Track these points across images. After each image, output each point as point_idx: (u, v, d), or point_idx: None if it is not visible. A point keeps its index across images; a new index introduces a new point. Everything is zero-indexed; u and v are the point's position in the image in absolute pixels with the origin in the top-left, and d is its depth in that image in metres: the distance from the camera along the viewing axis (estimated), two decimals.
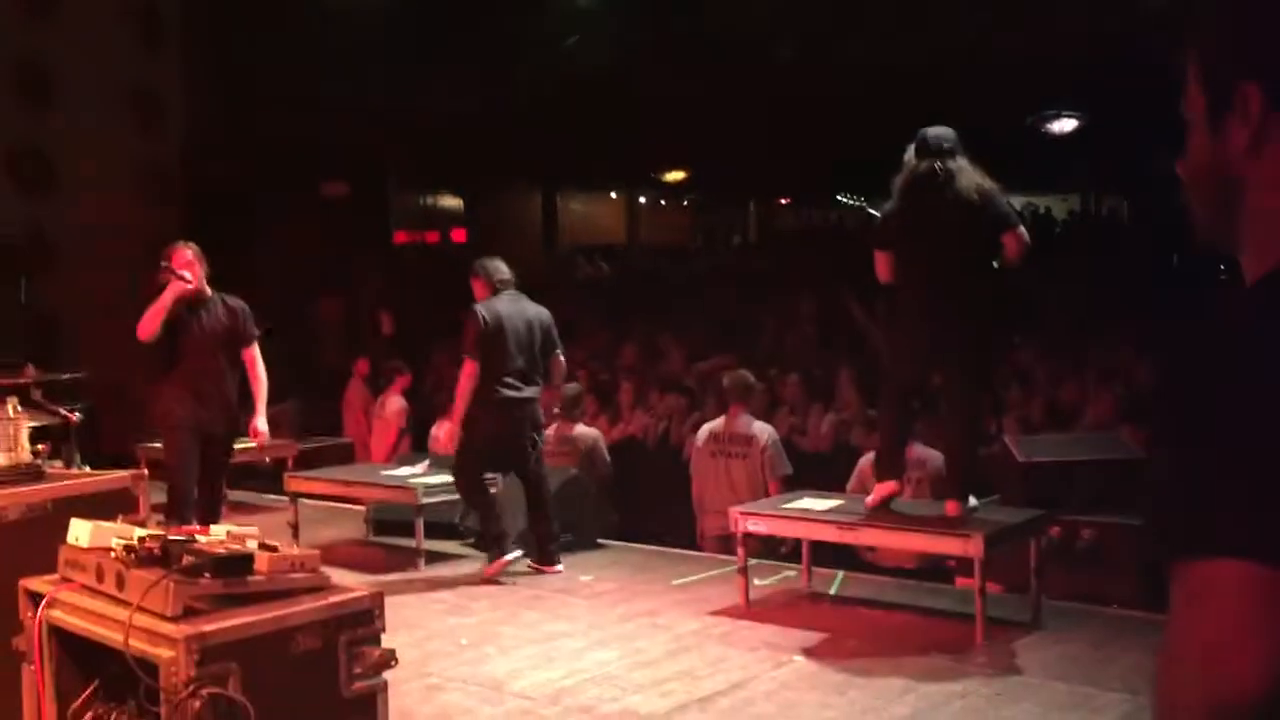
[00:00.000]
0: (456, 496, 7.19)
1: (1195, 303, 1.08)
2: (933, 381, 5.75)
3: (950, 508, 5.38)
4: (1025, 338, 8.93)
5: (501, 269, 6.63)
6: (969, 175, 5.22)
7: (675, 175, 23.41)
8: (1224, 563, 0.93)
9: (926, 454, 6.43)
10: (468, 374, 6.42)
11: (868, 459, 6.71)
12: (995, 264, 5.27)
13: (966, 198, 5.17)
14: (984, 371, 5.53)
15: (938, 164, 5.23)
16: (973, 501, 5.43)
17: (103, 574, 2.87)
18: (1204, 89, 1.14)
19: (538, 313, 6.59)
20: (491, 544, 6.52)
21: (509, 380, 6.36)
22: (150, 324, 6.19)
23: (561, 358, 6.76)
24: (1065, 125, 16.28)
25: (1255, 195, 1.10)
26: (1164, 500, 1.01)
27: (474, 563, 6.98)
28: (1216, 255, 1.17)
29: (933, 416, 6.11)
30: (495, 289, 6.53)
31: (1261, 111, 1.08)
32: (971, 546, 5.09)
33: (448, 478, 7.21)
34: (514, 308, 6.51)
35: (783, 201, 27.45)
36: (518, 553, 6.50)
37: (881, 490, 5.59)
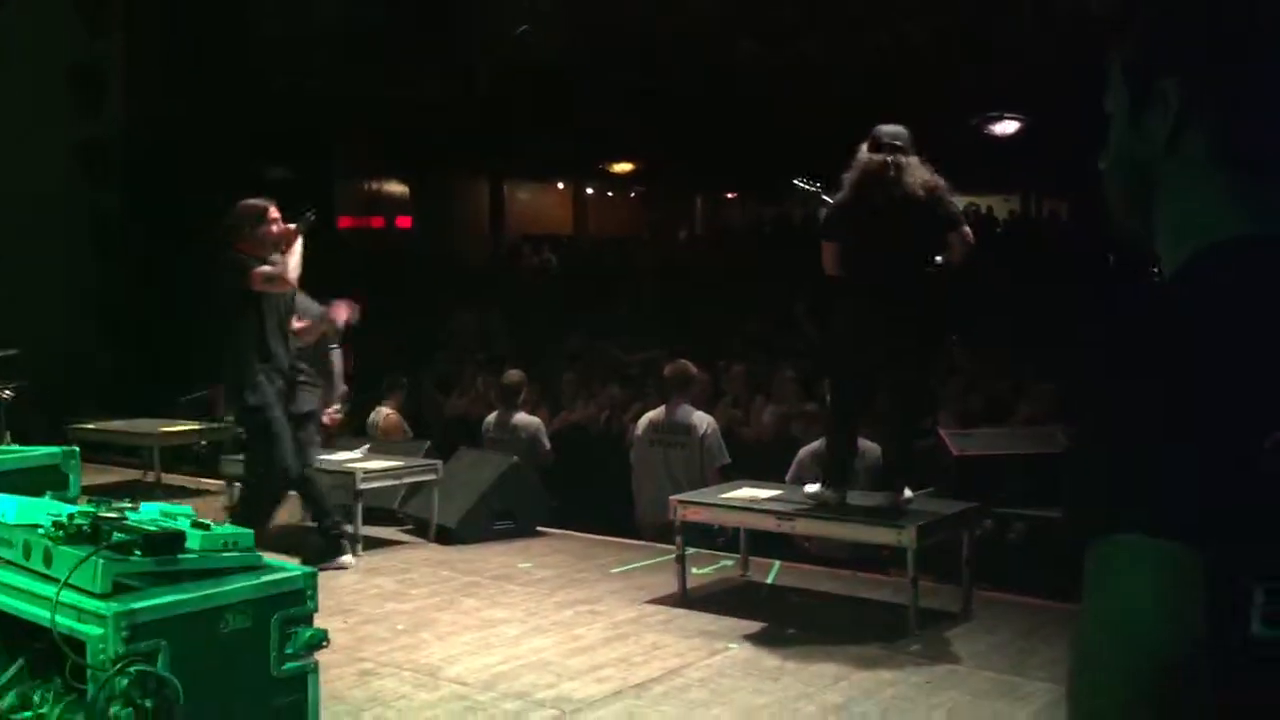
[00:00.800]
0: (395, 481, 7.17)
1: (1121, 299, 1.12)
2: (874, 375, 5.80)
3: (887, 499, 5.46)
4: (963, 335, 9.05)
5: None
6: (918, 171, 5.28)
7: (623, 167, 23.40)
8: (1127, 537, 0.97)
9: (864, 445, 6.50)
10: None
11: (807, 450, 6.79)
12: (939, 261, 5.33)
13: (914, 193, 5.22)
14: (924, 367, 5.60)
15: (889, 158, 5.29)
16: (908, 493, 5.51)
17: (30, 550, 2.83)
18: (1125, 84, 1.17)
19: None
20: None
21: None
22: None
23: None
24: (1008, 127, 16.48)
25: (1173, 190, 1.13)
26: (1072, 487, 1.04)
27: (412, 548, 6.96)
28: (1150, 255, 1.20)
29: (872, 409, 6.17)
30: None
31: (1180, 107, 1.11)
32: (905, 538, 5.17)
33: (387, 462, 7.18)
34: None
35: (729, 196, 27.55)
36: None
37: (820, 496, 5.63)
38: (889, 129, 5.39)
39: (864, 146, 5.40)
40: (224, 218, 6.41)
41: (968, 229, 5.34)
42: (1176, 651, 0.94)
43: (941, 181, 5.32)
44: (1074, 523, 1.03)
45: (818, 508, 5.61)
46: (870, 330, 5.37)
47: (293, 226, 6.21)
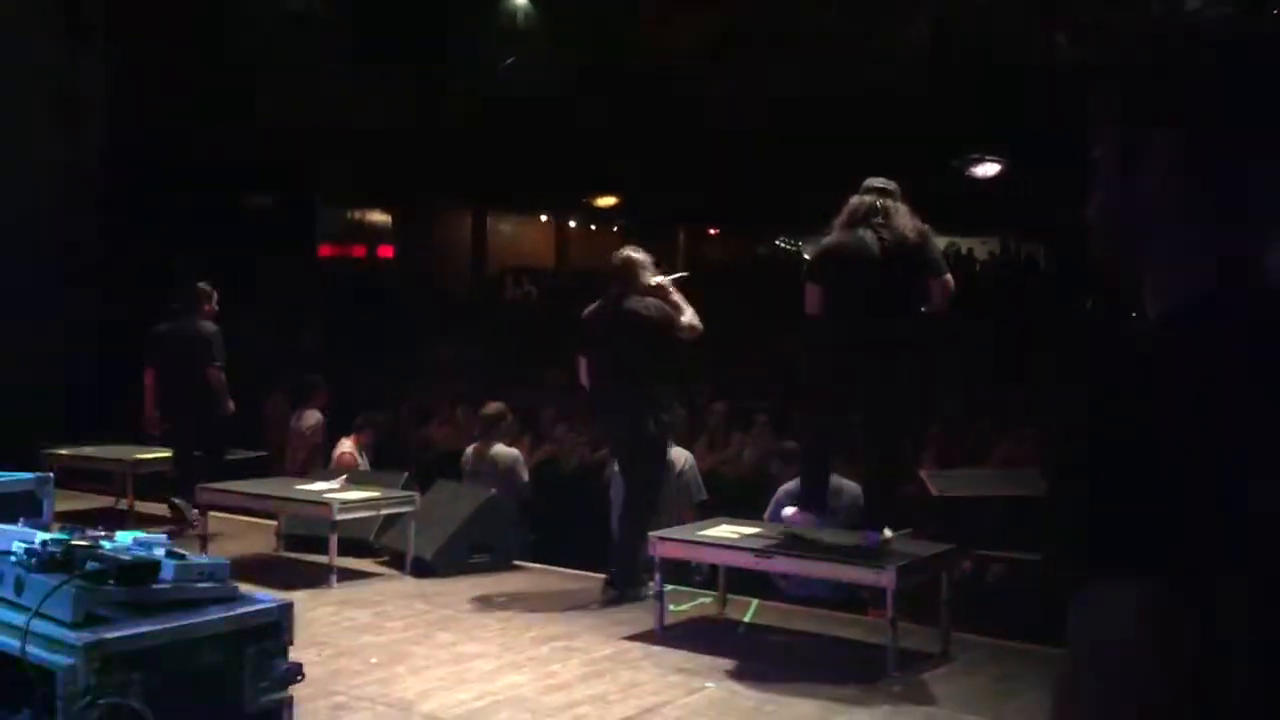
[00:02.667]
0: (372, 513, 7.12)
1: (1104, 343, 1.12)
2: (851, 416, 5.82)
3: (866, 538, 5.45)
4: (942, 379, 9.05)
5: None
6: (906, 217, 5.34)
7: (606, 200, 23.50)
8: (1115, 577, 0.96)
9: (843, 484, 6.49)
10: None
11: (784, 489, 6.77)
12: (921, 307, 5.37)
13: (901, 236, 5.28)
14: (905, 408, 5.59)
15: (878, 201, 5.36)
16: (887, 533, 5.50)
17: (1, 578, 2.78)
18: (1115, 134, 1.18)
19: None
20: None
21: None
22: None
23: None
24: (988, 170, 16.64)
25: (1157, 240, 1.14)
26: (1056, 528, 1.04)
27: (388, 580, 6.89)
28: (1128, 300, 1.21)
29: (851, 448, 6.18)
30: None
31: (1169, 159, 1.12)
32: (884, 578, 5.15)
33: (364, 493, 7.12)
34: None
35: (711, 232, 27.68)
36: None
37: (794, 518, 5.63)
38: (878, 179, 5.52)
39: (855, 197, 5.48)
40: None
41: (949, 277, 5.38)
42: (1162, 695, 0.94)
43: (927, 229, 5.39)
44: (1057, 563, 1.03)
45: (794, 545, 5.60)
46: (847, 371, 5.42)
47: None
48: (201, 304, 8.31)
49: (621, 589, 6.36)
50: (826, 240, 5.55)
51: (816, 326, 5.55)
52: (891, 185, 5.47)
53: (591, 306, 6.58)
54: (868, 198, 5.40)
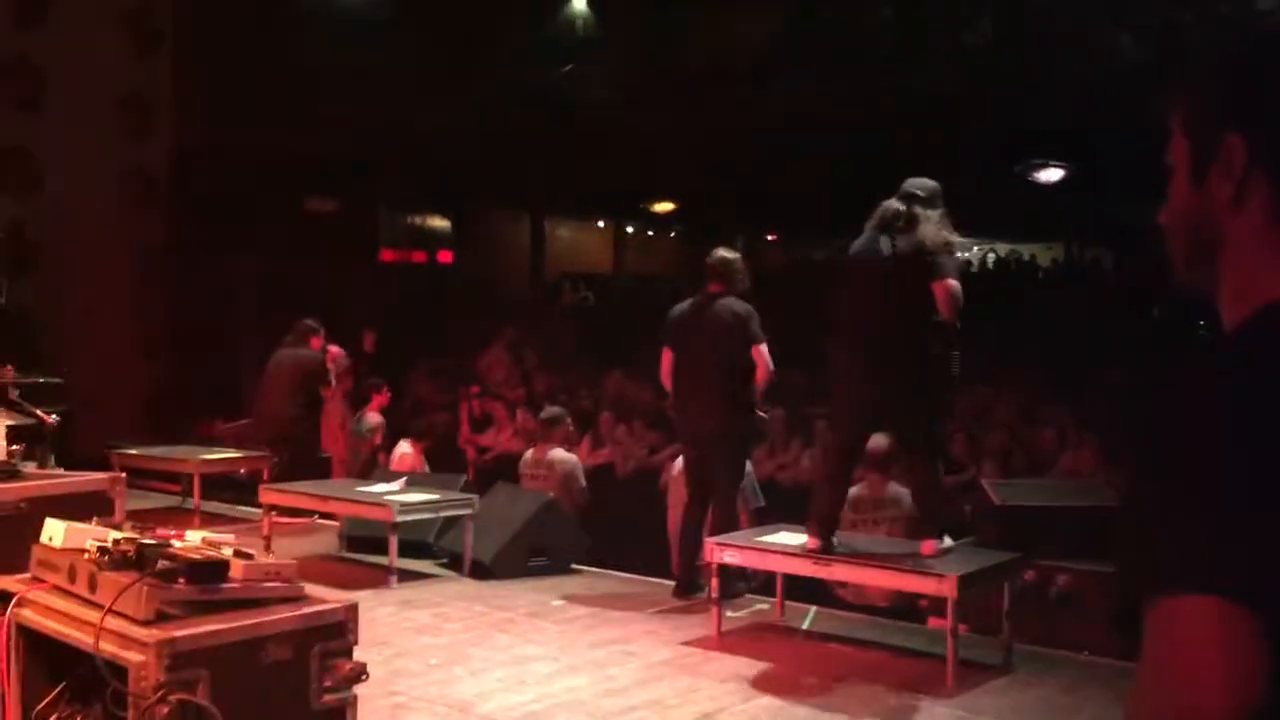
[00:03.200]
0: (431, 515, 7.18)
1: (1174, 353, 1.10)
2: (875, 427, 5.78)
3: (925, 547, 5.40)
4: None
5: None
6: (930, 225, 5.28)
7: (664, 206, 23.50)
8: (1194, 599, 0.94)
9: (900, 493, 6.45)
10: None
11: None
12: (934, 315, 5.30)
13: (918, 243, 5.23)
14: (929, 412, 5.49)
15: (903, 206, 5.33)
16: (947, 542, 5.45)
17: (75, 575, 2.85)
18: (1189, 139, 1.16)
19: None
20: None
21: None
22: None
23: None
24: (1052, 175, 16.43)
25: (1235, 246, 1.12)
26: (1137, 539, 1.02)
27: (447, 582, 6.95)
28: (1195, 308, 1.19)
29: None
30: None
31: (1245, 164, 1.10)
32: (945, 587, 5.10)
33: (423, 495, 7.19)
34: None
35: (770, 238, 27.57)
36: None
37: (809, 545, 5.57)
38: (914, 181, 5.46)
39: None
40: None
41: (951, 282, 5.25)
42: (1235, 716, 0.92)
43: (950, 238, 5.31)
44: (1134, 579, 1.01)
45: (855, 554, 5.56)
46: (858, 380, 5.40)
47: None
48: (307, 337, 9.26)
49: (693, 591, 6.36)
50: (855, 244, 5.55)
51: (834, 333, 5.56)
52: (925, 190, 5.39)
53: (683, 304, 6.60)
54: (894, 203, 5.38)
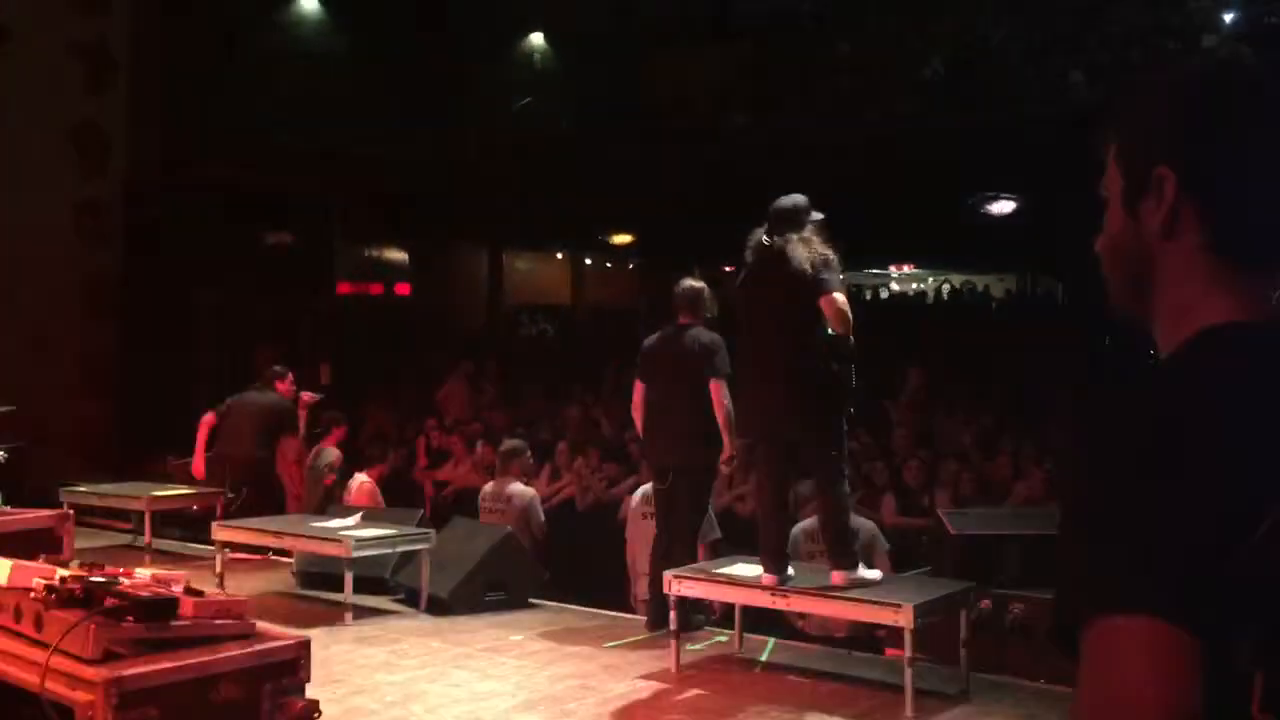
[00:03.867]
0: (388, 550, 7.11)
1: (1117, 380, 1.12)
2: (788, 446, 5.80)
3: (834, 578, 5.41)
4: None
5: None
6: (801, 247, 5.33)
7: (622, 238, 23.57)
8: (1128, 619, 0.96)
9: (859, 523, 6.46)
10: None
11: (800, 527, 6.75)
12: (827, 331, 5.35)
13: (796, 269, 5.28)
14: (828, 431, 5.49)
15: (765, 238, 5.43)
16: (863, 571, 5.46)
17: (21, 614, 2.80)
18: (1122, 169, 1.18)
19: None
20: None
21: None
22: None
23: None
24: (1004, 207, 16.64)
25: (1167, 274, 1.14)
26: (1073, 559, 1.03)
27: (403, 618, 6.88)
28: (1147, 336, 1.21)
29: (862, 487, 6.18)
30: None
31: (1175, 194, 1.12)
32: (902, 617, 5.12)
33: (380, 530, 7.12)
34: None
35: (727, 269, 27.70)
36: None
37: (765, 581, 5.58)
38: (781, 201, 5.51)
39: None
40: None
41: (837, 295, 5.28)
42: None
43: (826, 252, 5.34)
44: (1068, 602, 1.02)
45: (812, 585, 5.57)
46: (764, 405, 5.47)
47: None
48: (275, 381, 9.20)
49: (662, 625, 6.33)
50: (739, 277, 5.64)
51: (737, 365, 5.62)
52: (789, 211, 5.44)
53: (653, 336, 6.62)
54: (758, 233, 5.47)
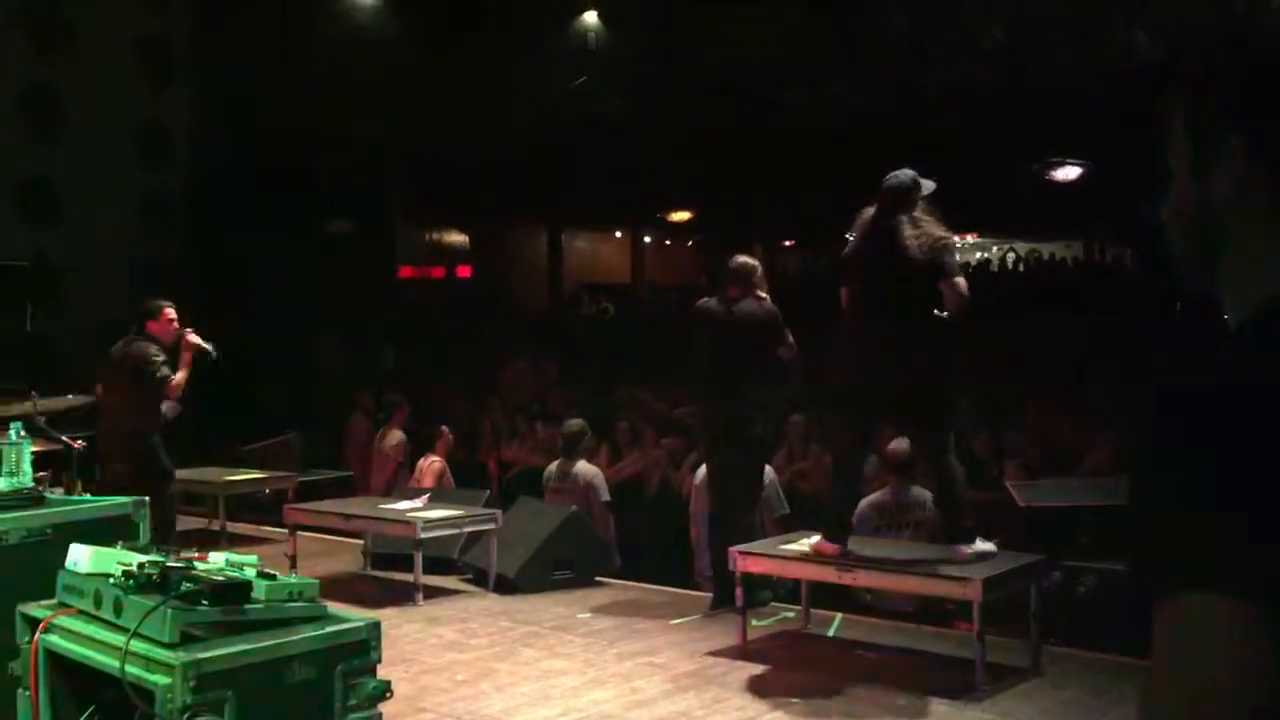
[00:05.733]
0: (455, 531, 7.19)
1: (1188, 348, 1.10)
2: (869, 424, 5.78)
3: (957, 552, 5.38)
4: (1026, 383, 8.89)
5: None
6: (911, 228, 5.29)
7: (680, 215, 23.52)
8: (1203, 596, 0.94)
9: (924, 496, 6.42)
10: None
11: (867, 501, 6.71)
12: (940, 311, 5.30)
13: (909, 252, 5.24)
14: (936, 413, 5.47)
15: (876, 218, 5.36)
16: (980, 545, 5.41)
17: (101, 599, 2.87)
18: (1190, 137, 1.16)
19: None
20: None
21: None
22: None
23: None
24: (1070, 173, 16.35)
25: (1237, 243, 1.12)
26: (1142, 542, 1.02)
27: (472, 598, 6.96)
28: (1216, 305, 1.19)
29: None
30: None
31: (1245, 161, 1.10)
32: (970, 590, 5.08)
33: (447, 511, 7.21)
34: None
35: (786, 244, 27.54)
36: None
37: (821, 549, 5.57)
38: (892, 177, 5.44)
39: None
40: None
41: (960, 280, 5.29)
42: (1253, 716, 0.91)
43: (941, 233, 5.33)
44: (1144, 577, 1.01)
45: (879, 559, 5.55)
46: (862, 380, 5.42)
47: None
48: (144, 321, 7.07)
49: (727, 602, 6.34)
50: (849, 246, 5.60)
51: (842, 332, 5.57)
52: (905, 186, 5.38)
53: (710, 300, 6.62)
54: (872, 209, 5.42)
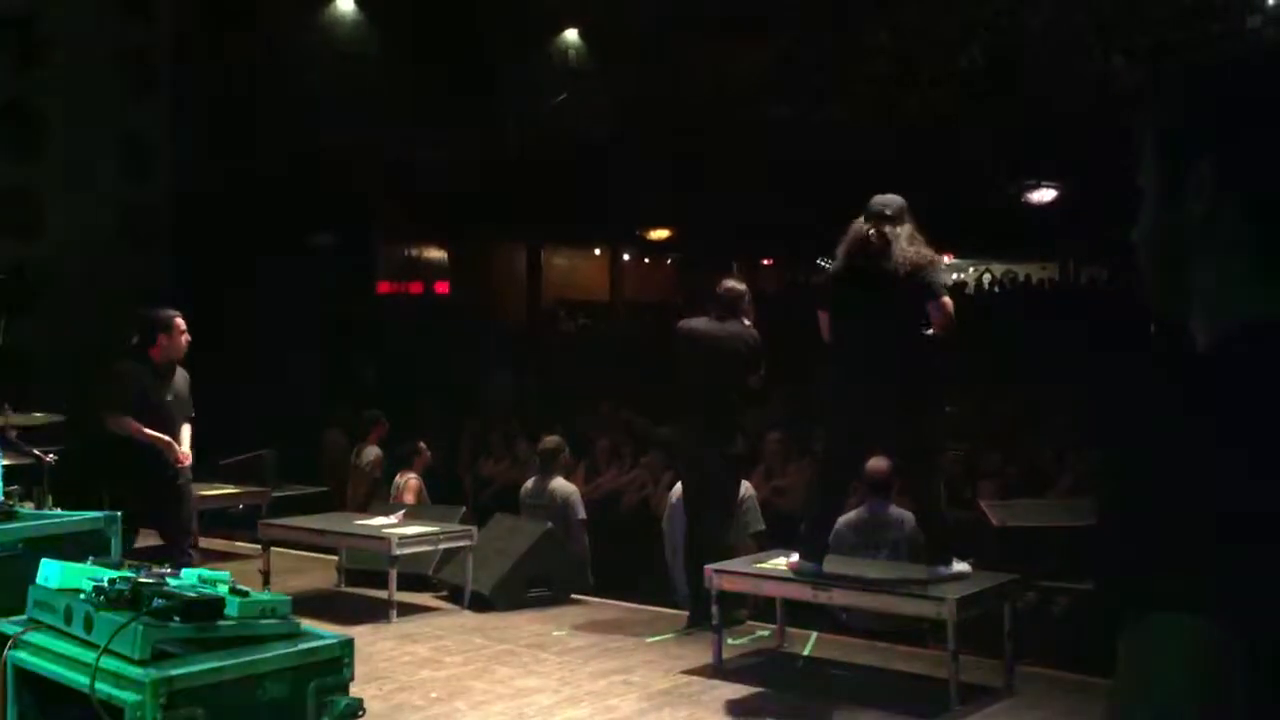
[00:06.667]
0: (430, 547, 7.16)
1: (1152, 374, 1.11)
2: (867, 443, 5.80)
3: (934, 572, 5.39)
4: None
5: None
6: (903, 243, 5.31)
7: (659, 233, 23.58)
8: (1175, 618, 0.95)
9: (902, 515, 6.44)
10: None
11: (844, 520, 6.72)
12: (927, 330, 5.33)
13: (896, 264, 5.26)
14: (925, 434, 5.50)
15: (872, 230, 5.35)
16: (957, 566, 5.43)
17: (71, 615, 2.85)
18: (1161, 161, 1.17)
19: None
20: None
21: None
22: None
23: None
24: (1045, 195, 16.49)
25: (1206, 268, 1.13)
26: (1105, 562, 1.03)
27: (447, 615, 6.93)
28: (1185, 328, 1.20)
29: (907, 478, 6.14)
30: None
31: (1215, 186, 1.11)
32: (945, 610, 5.09)
33: (422, 528, 7.18)
34: None
35: (766, 262, 27.64)
36: None
37: (795, 566, 5.58)
38: (880, 198, 5.47)
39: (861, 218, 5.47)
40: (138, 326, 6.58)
41: (947, 300, 5.31)
42: None
43: (930, 254, 5.35)
44: (1112, 598, 1.02)
45: (853, 578, 5.56)
46: (850, 399, 5.43)
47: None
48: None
49: (703, 620, 6.33)
50: (832, 266, 5.61)
51: (829, 354, 5.58)
52: (892, 206, 5.40)
53: (697, 319, 6.64)
54: (862, 226, 5.39)
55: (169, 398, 6.56)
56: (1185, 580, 0.95)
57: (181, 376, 6.69)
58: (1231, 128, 1.11)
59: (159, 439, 6.41)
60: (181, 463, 6.55)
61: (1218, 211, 1.11)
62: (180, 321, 6.64)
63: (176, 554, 6.11)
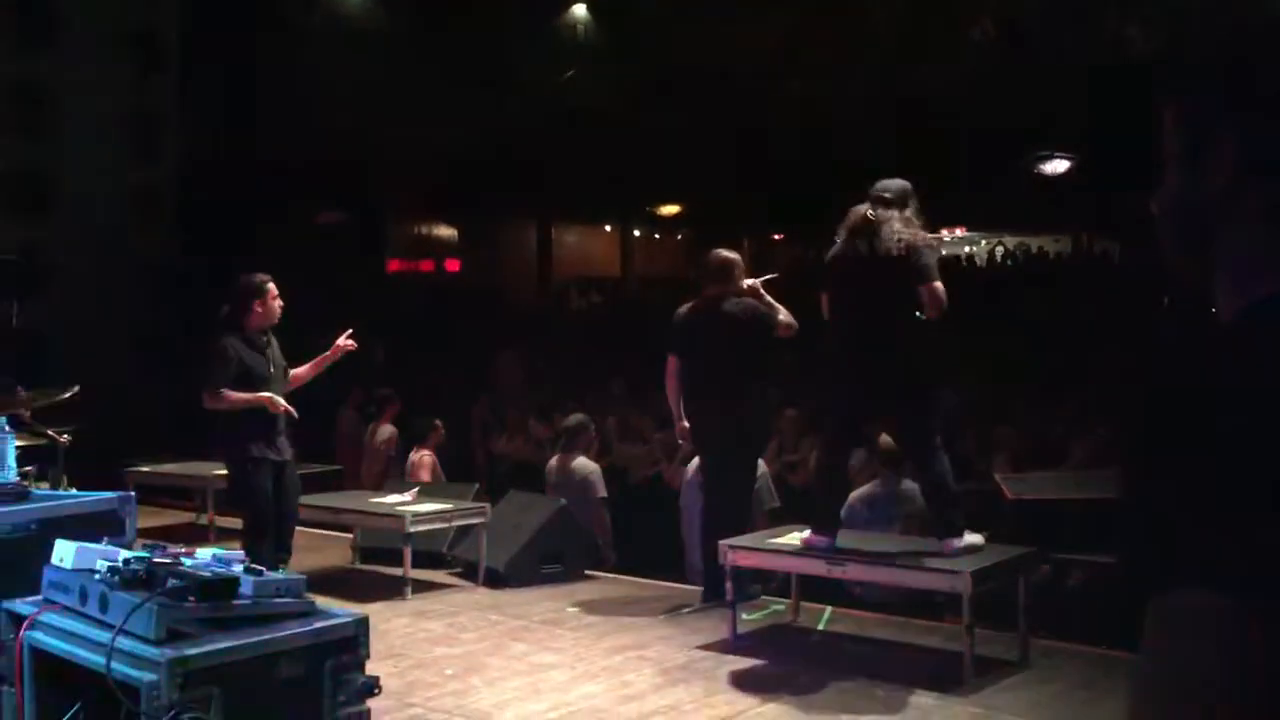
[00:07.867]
0: (444, 525, 7.17)
1: (1178, 344, 1.09)
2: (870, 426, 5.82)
3: (945, 546, 5.38)
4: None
5: None
6: (896, 225, 5.31)
7: (669, 209, 23.52)
8: (1202, 594, 0.94)
9: (914, 489, 6.42)
10: None
11: (857, 494, 6.72)
12: (919, 313, 5.33)
13: (889, 246, 5.27)
14: (922, 411, 5.49)
15: (869, 211, 5.37)
16: (969, 538, 5.41)
17: (86, 596, 2.85)
18: (1183, 130, 1.14)
19: None
20: None
21: None
22: None
23: None
24: (1058, 166, 16.38)
25: (1228, 239, 1.11)
26: (1129, 539, 1.01)
27: (461, 592, 6.94)
28: (1206, 299, 1.18)
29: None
30: None
31: (1239, 156, 1.09)
32: (959, 583, 5.08)
33: (436, 505, 7.19)
34: None
35: (776, 237, 27.55)
36: None
37: (809, 541, 5.59)
38: (883, 182, 5.52)
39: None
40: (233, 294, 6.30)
41: (937, 284, 5.32)
42: (1238, 714, 0.91)
43: (925, 236, 5.39)
44: (1133, 571, 1.00)
45: (868, 552, 5.55)
46: (847, 377, 5.47)
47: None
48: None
49: (718, 596, 6.32)
50: (832, 249, 5.61)
51: (829, 333, 5.58)
52: (893, 191, 5.44)
53: (685, 307, 6.60)
54: (861, 208, 5.45)
55: (270, 369, 6.22)
56: (1210, 556, 0.94)
57: (275, 345, 6.37)
58: (1256, 100, 1.09)
59: (257, 397, 6.05)
60: (283, 411, 6.15)
61: (1239, 185, 1.09)
62: (273, 286, 6.30)
63: (244, 543, 5.83)
